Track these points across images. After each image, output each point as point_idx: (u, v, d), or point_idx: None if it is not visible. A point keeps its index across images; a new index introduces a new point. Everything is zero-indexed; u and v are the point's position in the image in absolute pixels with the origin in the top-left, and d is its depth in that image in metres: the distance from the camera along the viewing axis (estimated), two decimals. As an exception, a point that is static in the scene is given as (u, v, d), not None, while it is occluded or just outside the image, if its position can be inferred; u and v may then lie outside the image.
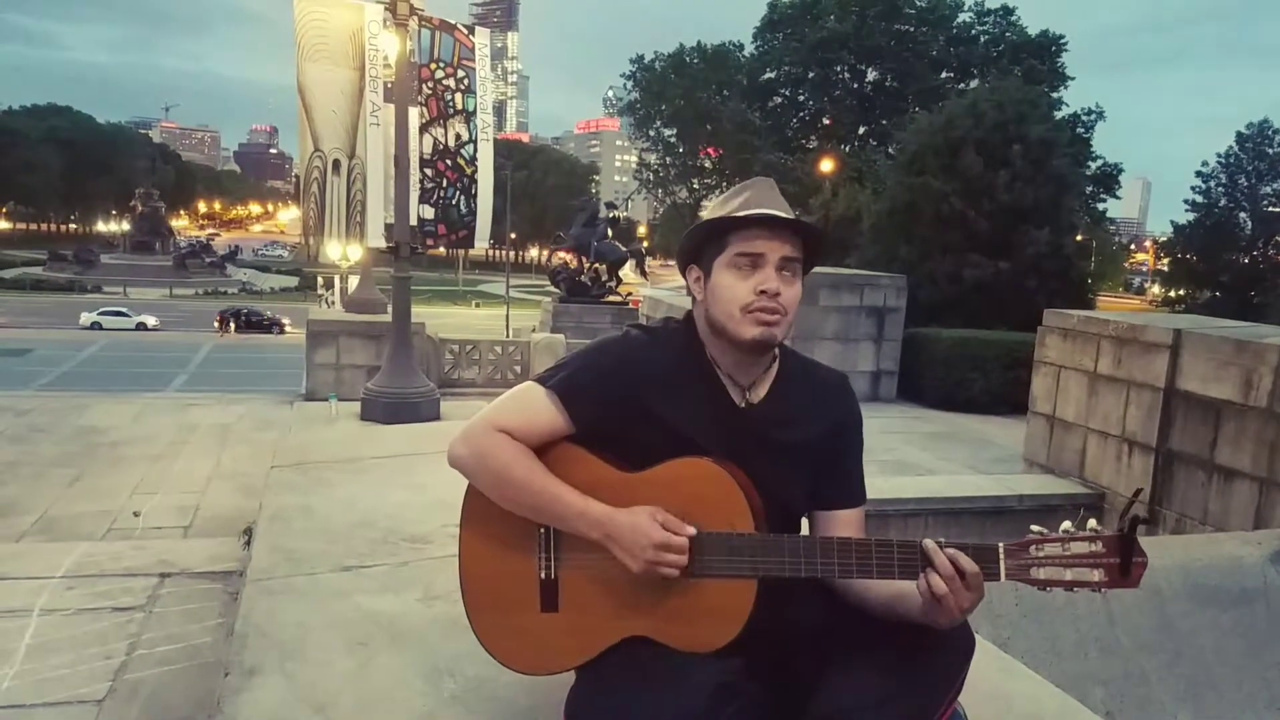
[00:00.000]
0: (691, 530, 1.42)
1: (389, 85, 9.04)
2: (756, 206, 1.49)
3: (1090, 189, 29.68)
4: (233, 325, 38.38)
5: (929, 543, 1.36)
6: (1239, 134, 39.75)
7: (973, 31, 38.37)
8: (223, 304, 45.01)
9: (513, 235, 65.84)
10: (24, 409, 9.88)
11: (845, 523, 1.59)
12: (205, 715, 2.22)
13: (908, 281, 12.73)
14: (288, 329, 37.01)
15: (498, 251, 73.39)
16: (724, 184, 45.54)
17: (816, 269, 1.62)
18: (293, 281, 62.71)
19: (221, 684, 1.92)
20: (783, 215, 1.48)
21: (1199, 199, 38.74)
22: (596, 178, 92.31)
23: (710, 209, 1.58)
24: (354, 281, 15.79)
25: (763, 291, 1.46)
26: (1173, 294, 41.56)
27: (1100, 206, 32.55)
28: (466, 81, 9.46)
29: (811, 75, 39.52)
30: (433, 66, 9.24)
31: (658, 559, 1.40)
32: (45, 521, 6.27)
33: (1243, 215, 39.04)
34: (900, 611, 1.45)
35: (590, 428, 1.52)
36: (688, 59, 43.09)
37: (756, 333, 1.47)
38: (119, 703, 2.38)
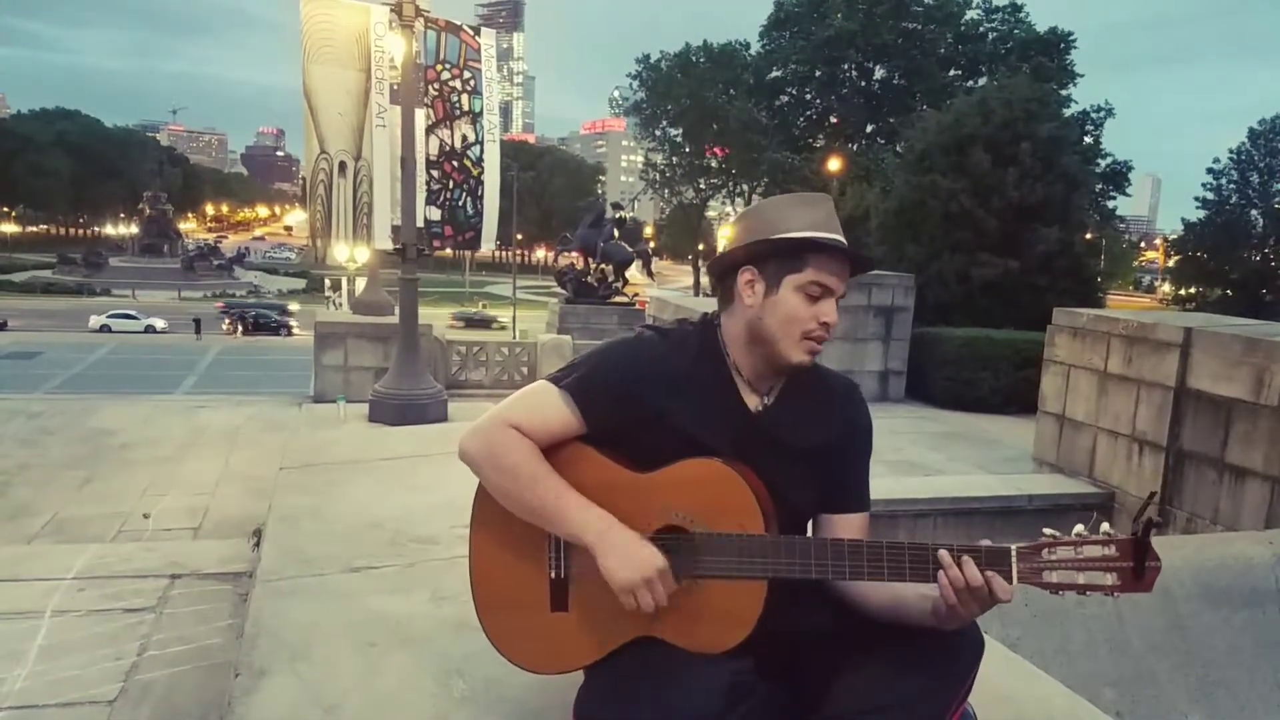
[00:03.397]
0: (674, 587, 1.42)
1: (395, 87, 9.06)
2: (830, 231, 1.50)
3: (1100, 187, 29.48)
4: (239, 328, 38.58)
5: (943, 552, 1.36)
6: (1251, 130, 39.42)
7: (981, 29, 38.18)
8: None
9: (519, 236, 65.96)
10: (34, 411, 9.94)
11: (850, 528, 1.59)
12: (216, 716, 2.23)
13: (916, 280, 12.69)
14: (295, 331, 37.15)
15: (504, 253, 73.69)
16: (730, 183, 45.54)
17: None
18: (300, 284, 62.95)
19: (232, 685, 1.93)
20: (864, 255, 1.57)
21: (1210, 196, 38.44)
22: (603, 178, 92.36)
23: (769, 211, 1.55)
24: (361, 283, 15.82)
25: (824, 323, 1.49)
26: (1183, 292, 41.35)
27: (1110, 204, 32.29)
28: (472, 82, 9.46)
29: (818, 74, 39.39)
30: (439, 68, 9.25)
31: (649, 585, 1.40)
32: (56, 523, 6.31)
33: (1254, 213, 38.71)
34: (901, 615, 1.45)
35: (602, 427, 1.52)
36: (694, 58, 43.02)
37: (805, 359, 1.51)
38: (130, 703, 2.39)
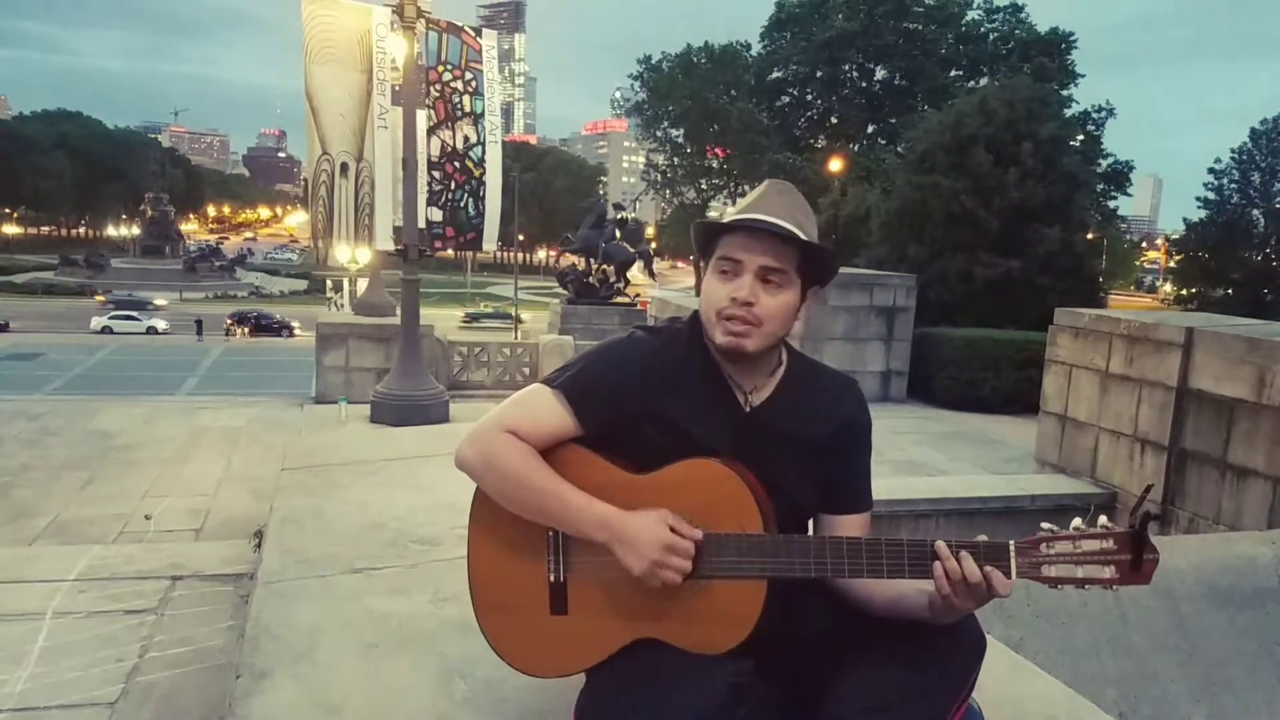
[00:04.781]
0: (699, 534, 1.41)
1: (397, 88, 9.07)
2: (755, 211, 1.47)
3: (1101, 187, 29.47)
4: (241, 330, 38.70)
5: (940, 544, 1.35)
6: (1253, 130, 39.39)
7: (982, 29, 38.17)
8: (232, 307, 45.38)
9: (521, 237, 66.00)
10: (36, 413, 9.96)
11: (851, 527, 1.58)
12: (217, 717, 2.22)
13: (917, 281, 12.69)
14: (297, 332, 37.20)
15: (506, 253, 73.68)
16: (732, 184, 45.51)
17: None
18: (302, 284, 62.98)
19: (233, 686, 1.93)
20: (764, 221, 1.44)
21: (1211, 196, 38.40)
22: (604, 179, 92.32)
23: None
24: (363, 284, 15.83)
25: (735, 299, 1.45)
26: (1185, 292, 41.27)
27: (1111, 204, 32.29)
28: (474, 84, 9.47)
29: (820, 74, 39.38)
30: (440, 69, 9.25)
31: (664, 560, 1.39)
32: (58, 524, 6.31)
33: (1256, 213, 38.69)
34: (900, 611, 1.45)
35: (597, 429, 1.51)
36: (695, 59, 43.01)
37: (724, 340, 1.48)
38: (131, 705, 2.39)
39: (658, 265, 30.23)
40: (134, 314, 39.59)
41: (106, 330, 36.30)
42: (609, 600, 1.48)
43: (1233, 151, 39.30)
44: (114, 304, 42.75)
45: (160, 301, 44.97)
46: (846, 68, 39.07)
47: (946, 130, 16.22)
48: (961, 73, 37.89)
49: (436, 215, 9.44)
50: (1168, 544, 4.21)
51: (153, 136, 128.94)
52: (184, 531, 6.22)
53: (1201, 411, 6.19)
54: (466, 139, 9.51)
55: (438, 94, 9.27)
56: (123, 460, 8.09)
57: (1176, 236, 45.42)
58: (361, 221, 9.40)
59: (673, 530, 1.41)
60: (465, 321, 40.42)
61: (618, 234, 22.03)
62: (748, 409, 1.54)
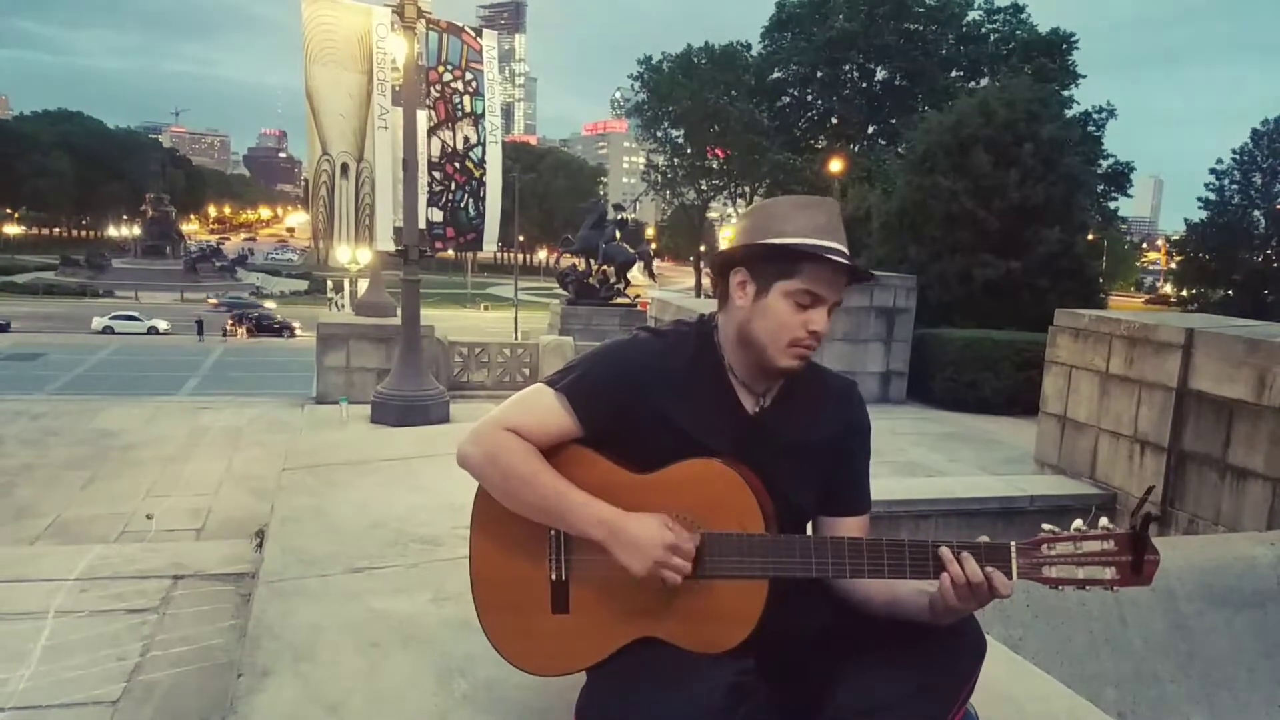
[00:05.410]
0: (698, 538, 1.42)
1: (397, 88, 9.07)
2: (830, 240, 1.47)
3: (1101, 188, 29.48)
4: (241, 330, 38.79)
5: (944, 549, 1.36)
6: (1254, 131, 39.42)
7: (983, 30, 38.17)
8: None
9: (521, 238, 66.01)
10: (37, 413, 9.97)
11: (850, 529, 1.59)
12: (219, 716, 2.23)
13: (917, 281, 12.69)
14: (298, 332, 37.22)
15: (506, 254, 73.70)
16: (732, 184, 45.55)
17: None
18: (303, 285, 63.02)
19: (234, 685, 1.93)
20: (854, 262, 1.49)
21: (1212, 197, 38.41)
22: (604, 179, 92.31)
23: (768, 212, 1.53)
24: (363, 285, 15.84)
25: (813, 331, 1.48)
26: (1185, 293, 41.24)
27: (1112, 205, 32.33)
28: (474, 84, 9.48)
29: (820, 75, 39.39)
30: (440, 69, 9.26)
31: (665, 560, 1.40)
32: (59, 524, 6.32)
33: (1257, 214, 38.72)
34: (898, 612, 1.46)
35: (600, 430, 1.52)
36: (695, 59, 43.03)
37: (792, 365, 1.50)
38: (133, 704, 2.39)
39: (657, 266, 30.22)
40: (135, 314, 39.66)
41: (107, 330, 36.32)
42: (610, 599, 1.49)
43: (1234, 152, 39.36)
44: (225, 305, 46.36)
45: (270, 304, 48.75)
46: (847, 68, 39.08)
47: (947, 131, 16.19)
48: (962, 73, 37.88)
49: (437, 216, 9.44)
50: (1167, 544, 4.21)
51: (153, 137, 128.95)
52: (185, 531, 6.22)
53: (1201, 413, 6.19)
54: (467, 139, 9.51)
55: (438, 94, 9.27)
56: (124, 460, 8.10)
57: (1177, 238, 45.41)
58: (362, 222, 9.40)
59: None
60: None
61: (618, 235, 22.06)
62: (755, 412, 1.56)
